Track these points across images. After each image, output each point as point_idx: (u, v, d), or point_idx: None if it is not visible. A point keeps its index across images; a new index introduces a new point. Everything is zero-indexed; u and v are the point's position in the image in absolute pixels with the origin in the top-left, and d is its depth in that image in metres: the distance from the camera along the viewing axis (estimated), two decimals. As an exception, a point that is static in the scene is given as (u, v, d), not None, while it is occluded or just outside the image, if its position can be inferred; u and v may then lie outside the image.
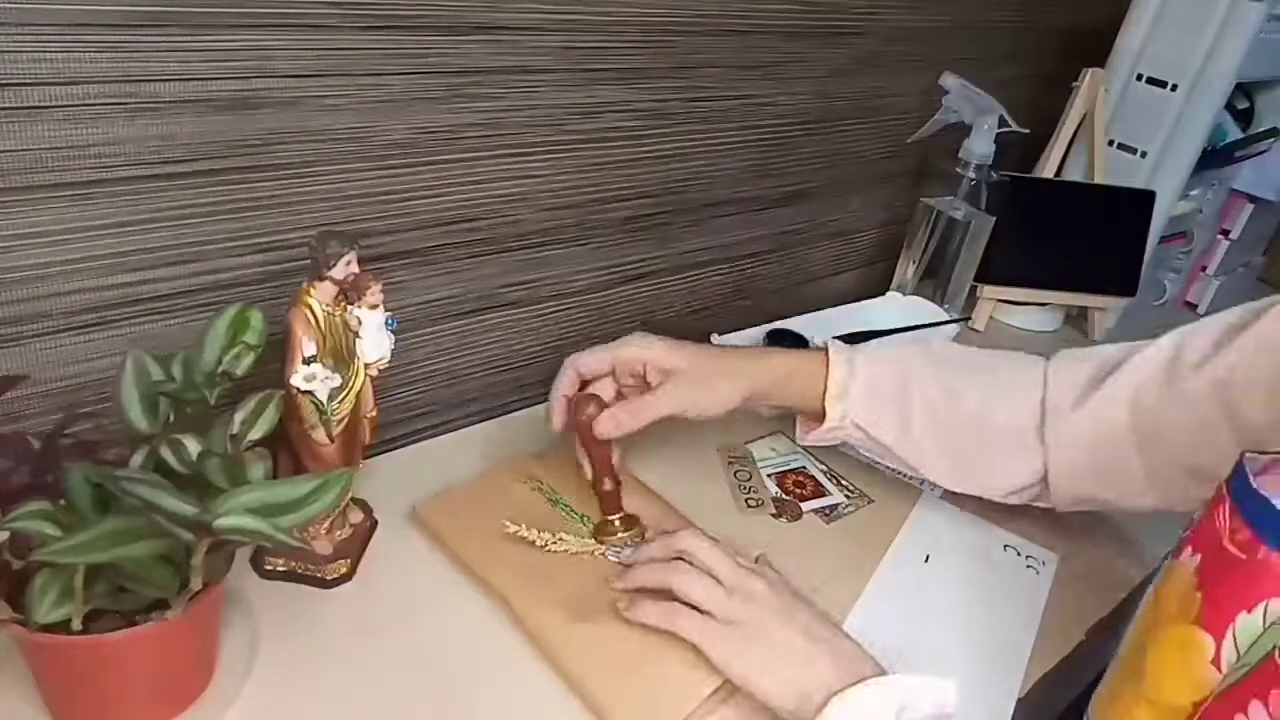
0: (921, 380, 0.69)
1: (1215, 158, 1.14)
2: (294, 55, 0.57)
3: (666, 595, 0.57)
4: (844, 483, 0.78)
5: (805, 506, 0.75)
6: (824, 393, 0.69)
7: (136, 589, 0.46)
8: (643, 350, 0.67)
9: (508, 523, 0.63)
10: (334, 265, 0.53)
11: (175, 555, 0.46)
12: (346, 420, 0.58)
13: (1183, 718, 0.42)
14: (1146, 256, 1.10)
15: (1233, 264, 1.31)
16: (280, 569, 0.60)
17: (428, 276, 0.72)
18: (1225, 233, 1.28)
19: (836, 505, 0.76)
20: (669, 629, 0.56)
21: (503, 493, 0.69)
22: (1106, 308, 1.14)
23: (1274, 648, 0.37)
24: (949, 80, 0.97)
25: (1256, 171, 1.24)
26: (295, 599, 0.59)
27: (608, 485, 0.66)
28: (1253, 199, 1.26)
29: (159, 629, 0.46)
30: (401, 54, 0.62)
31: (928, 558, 0.71)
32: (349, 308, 0.55)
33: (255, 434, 0.50)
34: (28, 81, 0.49)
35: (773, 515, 0.73)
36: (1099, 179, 1.10)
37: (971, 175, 1.00)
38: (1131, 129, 1.11)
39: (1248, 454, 0.43)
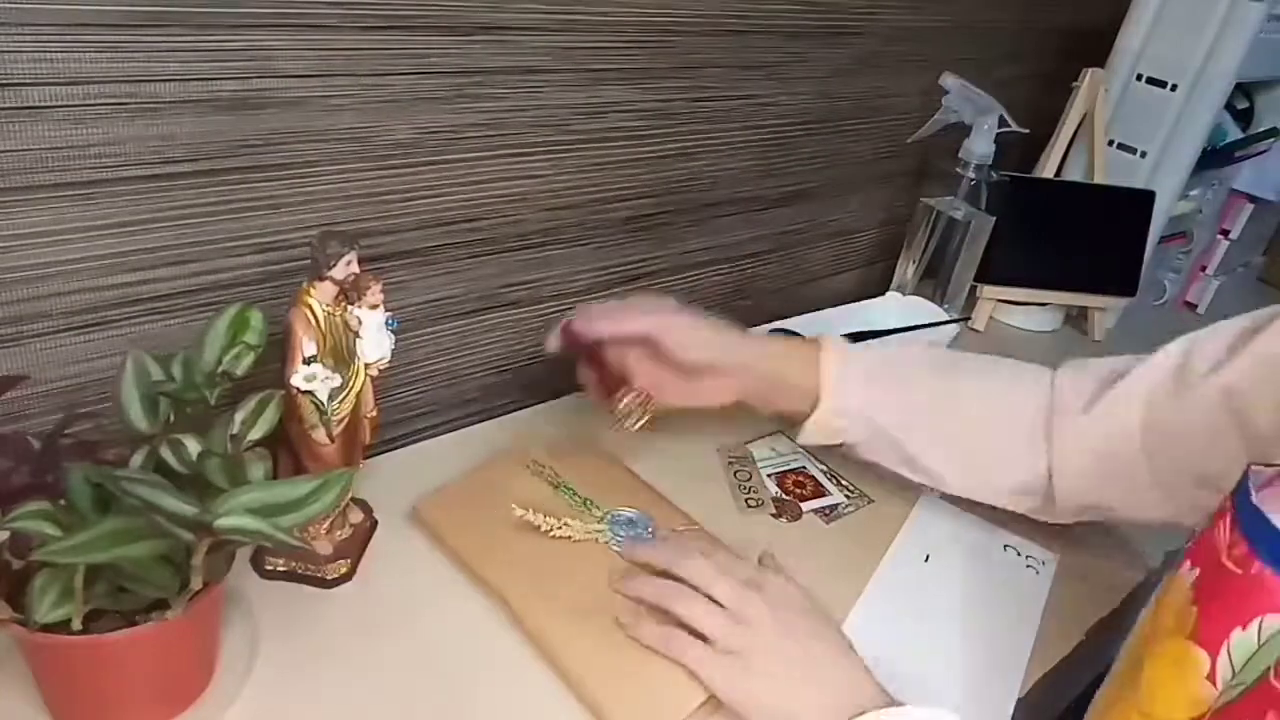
0: (921, 371, 0.69)
1: (1215, 158, 1.14)
2: (296, 55, 0.57)
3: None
4: (844, 483, 0.78)
5: (805, 506, 0.75)
6: (820, 375, 0.68)
7: (136, 589, 0.46)
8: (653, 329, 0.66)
9: (514, 505, 0.63)
10: (334, 265, 0.53)
11: (175, 555, 0.46)
12: (346, 420, 0.58)
13: None
14: (1146, 256, 1.10)
15: (1233, 264, 1.31)
16: (280, 569, 0.60)
17: (428, 276, 0.72)
18: (1225, 233, 1.28)
19: (836, 505, 0.76)
20: (666, 655, 0.55)
21: (504, 481, 0.69)
22: (1106, 308, 1.14)
23: (1269, 668, 0.37)
24: (949, 80, 0.97)
25: (1256, 171, 1.24)
26: (295, 599, 0.59)
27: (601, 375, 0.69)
28: (1253, 199, 1.26)
29: (159, 629, 0.46)
30: (404, 54, 0.62)
31: (928, 558, 0.71)
32: (349, 308, 0.55)
33: (255, 434, 0.50)
34: (28, 81, 0.49)
35: (773, 515, 0.73)
36: (1099, 179, 1.10)
37: (971, 175, 1.00)
38: (1131, 129, 1.11)
39: (1254, 466, 0.43)
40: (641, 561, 0.61)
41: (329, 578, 0.60)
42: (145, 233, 0.57)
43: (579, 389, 0.87)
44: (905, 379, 0.69)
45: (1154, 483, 0.63)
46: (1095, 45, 1.11)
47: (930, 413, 0.68)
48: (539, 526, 0.63)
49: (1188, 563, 0.44)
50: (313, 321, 0.54)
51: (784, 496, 0.76)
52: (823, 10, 0.87)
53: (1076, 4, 1.16)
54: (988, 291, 1.10)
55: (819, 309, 0.99)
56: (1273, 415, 0.55)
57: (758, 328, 0.92)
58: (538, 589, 0.60)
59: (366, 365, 0.57)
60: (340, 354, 0.56)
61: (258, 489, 0.45)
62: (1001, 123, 0.98)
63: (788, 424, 0.73)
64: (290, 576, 0.60)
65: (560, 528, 0.63)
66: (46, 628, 0.44)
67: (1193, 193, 1.18)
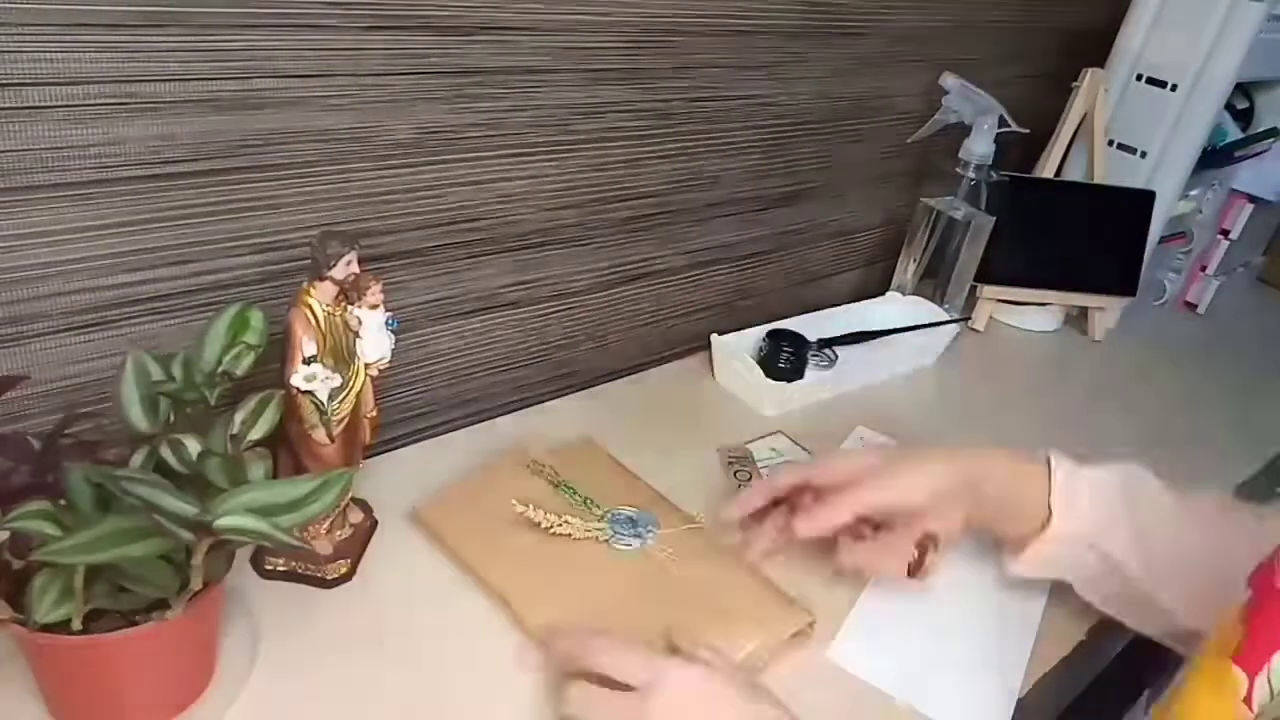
0: (1146, 486, 0.62)
1: (1215, 158, 1.14)
2: (296, 55, 0.57)
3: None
4: (844, 483, 0.78)
5: (805, 506, 0.75)
6: (1048, 495, 0.61)
7: (136, 589, 0.46)
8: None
9: (515, 501, 0.63)
10: (334, 265, 0.53)
11: (175, 555, 0.46)
12: (346, 420, 0.58)
13: None
14: (1146, 256, 1.10)
15: (1232, 264, 1.31)
16: (280, 569, 0.60)
17: (428, 276, 0.72)
18: (1225, 233, 1.28)
19: (836, 505, 0.76)
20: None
21: (504, 481, 0.68)
22: (1106, 308, 1.14)
23: None
24: (949, 80, 0.97)
25: (1256, 171, 1.24)
26: (295, 599, 0.59)
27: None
28: (1253, 199, 1.26)
29: (159, 629, 0.46)
30: (404, 54, 0.62)
31: (928, 558, 0.71)
32: (349, 308, 0.55)
33: (255, 434, 0.50)
34: (28, 81, 0.49)
35: (773, 515, 0.73)
36: (1099, 179, 1.10)
37: (971, 175, 1.00)
38: (1131, 129, 1.11)
39: None
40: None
41: (329, 578, 0.60)
42: (145, 233, 0.57)
43: (578, 388, 0.87)
44: (1132, 500, 0.62)
45: None
46: (1095, 45, 1.11)
47: (1160, 536, 0.61)
48: (539, 523, 0.62)
49: (1247, 585, 0.44)
50: (313, 321, 0.54)
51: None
52: (823, 10, 0.87)
53: (1076, 4, 1.16)
54: (988, 291, 1.10)
55: (819, 309, 0.99)
56: None
57: (758, 328, 0.92)
58: (538, 589, 0.60)
59: (366, 365, 0.57)
60: (340, 354, 0.56)
61: (258, 489, 0.45)
62: (1001, 123, 0.98)
63: (1008, 551, 0.66)
64: (290, 576, 0.60)
65: (560, 525, 0.63)
66: (46, 628, 0.44)
67: (1193, 193, 1.18)
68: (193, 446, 0.47)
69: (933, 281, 1.05)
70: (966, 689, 0.60)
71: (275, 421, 0.51)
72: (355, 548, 0.63)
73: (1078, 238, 1.10)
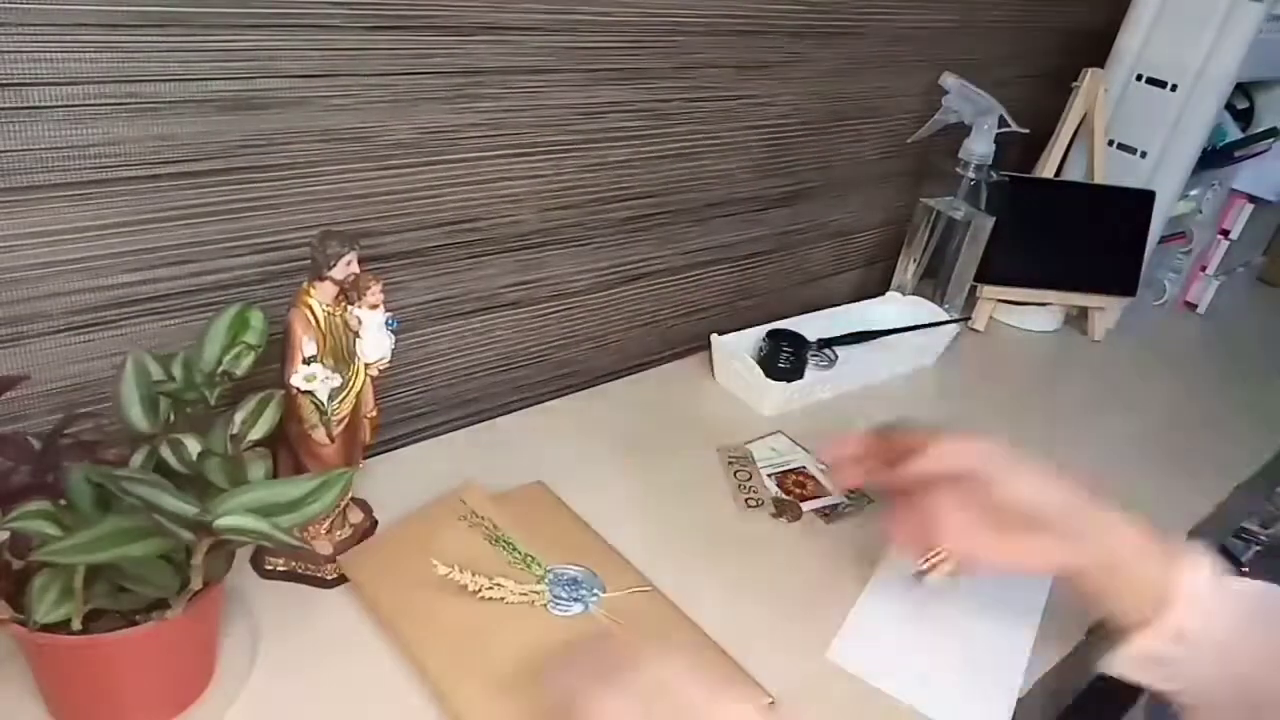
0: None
1: (1215, 158, 1.14)
2: (297, 55, 0.57)
3: None
4: (844, 483, 0.78)
5: (805, 506, 0.75)
6: (1174, 582, 0.53)
7: (136, 589, 0.46)
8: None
9: (436, 563, 0.56)
10: (334, 265, 0.53)
11: (175, 555, 0.46)
12: (346, 420, 0.58)
13: None
14: (1146, 256, 1.11)
15: (1232, 264, 1.31)
16: (280, 569, 0.60)
17: (428, 276, 0.72)
18: (1225, 233, 1.28)
19: (836, 505, 0.76)
20: None
21: (438, 534, 0.62)
22: (1106, 308, 1.14)
23: None
24: (949, 80, 0.97)
25: (1256, 171, 1.24)
26: (295, 599, 0.59)
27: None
28: (1253, 199, 1.26)
29: (159, 629, 0.46)
30: (405, 54, 0.62)
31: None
32: (349, 308, 0.55)
33: (255, 434, 0.50)
34: (28, 81, 0.49)
35: (773, 515, 0.73)
36: (1099, 179, 1.10)
37: (971, 175, 1.00)
38: (1131, 129, 1.11)
39: None
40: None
41: (329, 578, 0.60)
42: (145, 233, 0.57)
43: (578, 388, 0.87)
44: (1271, 615, 0.53)
45: None
46: (1095, 45, 1.11)
47: None
48: (466, 586, 0.56)
49: None
50: (313, 321, 0.54)
51: (784, 496, 0.76)
52: (823, 10, 0.87)
53: (1076, 4, 1.16)
54: (988, 291, 1.10)
55: (819, 309, 0.99)
56: None
57: (758, 328, 0.92)
58: (461, 658, 0.54)
59: (366, 365, 0.57)
60: (340, 354, 0.56)
61: (258, 489, 0.45)
62: (1001, 123, 0.98)
63: (1109, 635, 0.57)
64: (290, 576, 0.60)
65: (492, 588, 0.57)
66: (46, 628, 0.44)
67: (1193, 193, 1.18)
68: (193, 446, 0.47)
69: (933, 281, 1.05)
70: (966, 689, 0.60)
71: (275, 421, 0.51)
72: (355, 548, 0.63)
73: (1078, 238, 1.10)
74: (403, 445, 0.75)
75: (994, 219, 1.02)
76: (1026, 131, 1.00)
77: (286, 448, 0.57)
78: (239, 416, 0.51)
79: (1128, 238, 1.10)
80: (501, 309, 0.79)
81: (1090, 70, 1.05)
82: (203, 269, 0.60)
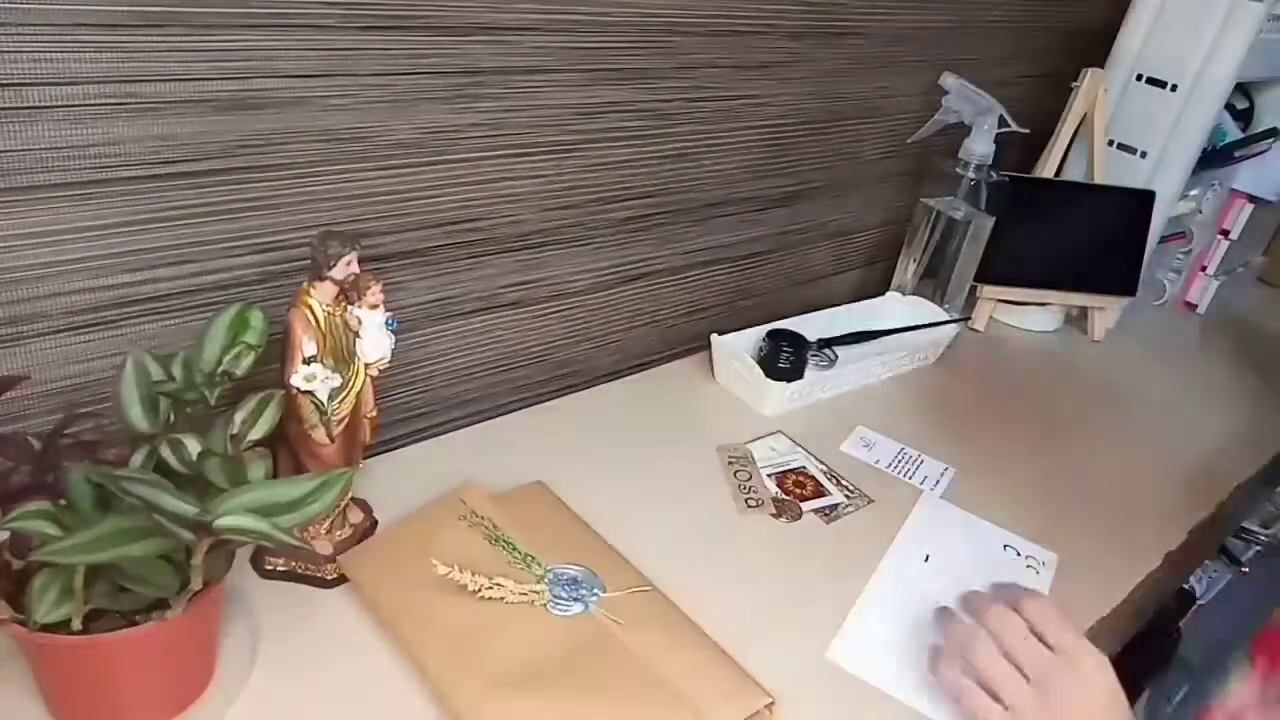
0: None
1: (1215, 158, 1.14)
2: (297, 55, 0.57)
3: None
4: (844, 483, 0.78)
5: (805, 506, 0.75)
6: None
7: (136, 589, 0.46)
8: None
9: (436, 563, 0.56)
10: (334, 265, 0.53)
11: (175, 555, 0.46)
12: (346, 420, 0.58)
13: None
14: (1146, 256, 1.11)
15: (1232, 264, 1.31)
16: (280, 569, 0.60)
17: (428, 276, 0.72)
18: (1225, 233, 1.28)
19: (836, 505, 0.76)
20: (957, 705, 0.54)
21: (438, 534, 0.62)
22: (1106, 308, 1.14)
23: None
24: (949, 80, 0.97)
25: (1256, 171, 1.24)
26: (295, 599, 0.59)
27: None
28: (1252, 199, 1.26)
29: (159, 629, 0.46)
30: (404, 54, 0.62)
31: (927, 558, 0.71)
32: (349, 308, 0.55)
33: (255, 434, 0.50)
34: (28, 81, 0.49)
35: (773, 515, 0.73)
36: (1099, 179, 1.10)
37: (971, 175, 1.00)
38: (1131, 129, 1.11)
39: None
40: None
41: (329, 578, 0.60)
42: (145, 233, 0.57)
43: (578, 388, 0.87)
44: None
45: None
46: (1095, 45, 1.11)
47: None
48: (466, 586, 0.56)
49: None
50: (313, 321, 0.54)
51: (784, 496, 0.76)
52: (823, 10, 0.87)
53: (1076, 4, 1.16)
54: (988, 291, 1.10)
55: (819, 309, 0.99)
56: None
57: (758, 328, 0.92)
58: (461, 658, 0.54)
59: (366, 365, 0.57)
60: (340, 354, 0.56)
61: (258, 489, 0.45)
62: (1001, 123, 0.98)
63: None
64: (290, 576, 0.60)
65: (491, 588, 0.57)
66: (46, 628, 0.44)
67: (1193, 193, 1.18)
68: (193, 446, 0.47)
69: (933, 281, 1.05)
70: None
71: (275, 421, 0.51)
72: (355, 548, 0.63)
73: (1078, 238, 1.10)
74: (403, 445, 0.75)
75: (994, 219, 1.02)
76: (1026, 131, 1.00)
77: (286, 448, 0.57)
78: (239, 416, 0.51)
79: (1128, 238, 1.10)
80: (501, 309, 0.79)
81: (1090, 70, 1.05)
82: (202, 269, 0.60)
